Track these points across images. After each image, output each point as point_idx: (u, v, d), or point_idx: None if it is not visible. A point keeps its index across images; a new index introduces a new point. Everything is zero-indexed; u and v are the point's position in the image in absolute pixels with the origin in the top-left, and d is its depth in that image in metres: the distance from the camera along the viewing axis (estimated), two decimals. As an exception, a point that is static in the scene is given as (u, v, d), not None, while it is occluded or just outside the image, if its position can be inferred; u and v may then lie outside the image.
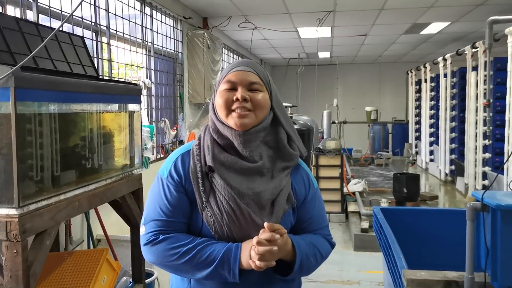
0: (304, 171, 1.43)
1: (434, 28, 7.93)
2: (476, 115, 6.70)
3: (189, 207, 1.31)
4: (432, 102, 9.73)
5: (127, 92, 2.72)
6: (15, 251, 1.74)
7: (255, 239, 1.20)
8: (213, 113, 1.33)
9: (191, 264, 1.24)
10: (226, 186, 1.25)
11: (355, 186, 6.95)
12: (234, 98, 1.27)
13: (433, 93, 9.72)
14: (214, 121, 1.32)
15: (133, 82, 4.26)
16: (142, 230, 1.32)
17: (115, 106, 2.61)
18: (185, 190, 1.31)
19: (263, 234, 1.21)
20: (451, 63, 8.15)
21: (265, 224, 1.21)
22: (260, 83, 1.31)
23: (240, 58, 10.37)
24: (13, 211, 1.74)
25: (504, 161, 5.56)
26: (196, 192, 1.28)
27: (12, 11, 2.85)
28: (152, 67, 5.07)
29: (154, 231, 1.28)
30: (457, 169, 7.88)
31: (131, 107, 2.77)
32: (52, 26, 2.85)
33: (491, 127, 6.07)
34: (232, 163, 1.28)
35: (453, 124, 8.14)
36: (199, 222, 1.29)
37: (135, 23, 4.68)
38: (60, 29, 2.69)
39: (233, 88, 1.29)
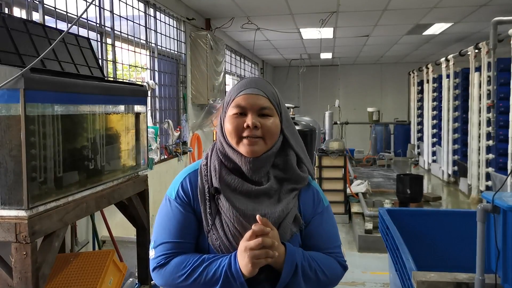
0: (314, 189, 1.38)
1: (437, 28, 7.92)
2: (480, 116, 6.69)
3: (198, 228, 1.28)
4: (435, 103, 9.73)
5: (133, 94, 2.72)
6: (24, 252, 1.73)
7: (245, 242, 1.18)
8: (222, 136, 1.30)
9: (199, 284, 1.21)
10: (231, 208, 1.22)
11: (358, 187, 6.95)
12: (245, 125, 1.24)
13: (435, 94, 9.72)
14: (223, 144, 1.29)
15: (139, 83, 4.25)
16: (152, 254, 1.29)
17: (122, 108, 2.61)
18: (193, 210, 1.29)
19: (252, 229, 1.18)
20: (453, 63, 8.15)
21: (257, 216, 1.19)
22: (271, 107, 1.27)
23: (242, 60, 10.37)
24: (22, 213, 1.74)
25: (509, 162, 5.55)
26: (203, 214, 1.26)
27: (18, 12, 2.85)
28: (156, 68, 5.07)
29: (163, 255, 1.26)
30: (460, 170, 7.87)
31: (137, 108, 2.77)
32: (58, 28, 2.85)
33: (495, 128, 6.07)
34: (239, 185, 1.25)
35: (456, 124, 8.14)
36: (205, 245, 1.27)
37: (139, 24, 4.68)
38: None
39: (242, 112, 1.25)
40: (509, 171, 5.21)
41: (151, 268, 1.29)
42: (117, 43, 4.14)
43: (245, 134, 1.24)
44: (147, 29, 4.85)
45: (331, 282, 1.32)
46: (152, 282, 2.92)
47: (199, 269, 1.21)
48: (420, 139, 11.23)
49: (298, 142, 1.36)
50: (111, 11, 4.02)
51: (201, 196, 1.27)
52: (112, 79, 3.95)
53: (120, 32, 4.19)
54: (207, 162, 1.32)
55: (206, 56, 6.07)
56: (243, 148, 1.24)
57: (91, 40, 2.88)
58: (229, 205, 1.23)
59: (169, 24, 5.53)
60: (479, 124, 6.72)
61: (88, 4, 2.85)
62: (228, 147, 1.28)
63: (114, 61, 4.10)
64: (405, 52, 11.56)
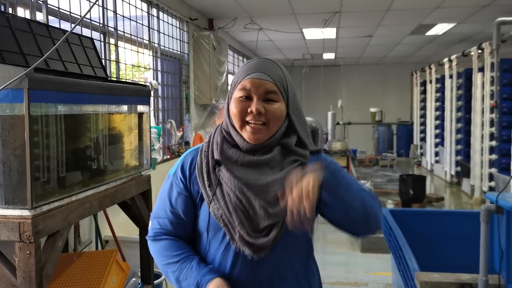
0: (322, 158, 1.33)
1: (440, 29, 7.91)
2: (482, 117, 6.68)
3: (192, 208, 1.32)
4: (438, 103, 9.72)
5: (136, 93, 2.72)
6: (28, 252, 1.74)
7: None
8: (228, 117, 1.31)
9: (173, 277, 1.30)
10: (232, 178, 1.23)
11: (360, 187, 6.93)
12: (249, 110, 1.23)
13: (438, 94, 9.70)
14: (228, 125, 1.31)
15: (142, 83, 4.26)
16: (150, 224, 1.39)
17: (125, 108, 2.61)
18: (189, 190, 1.32)
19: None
20: (456, 64, 8.13)
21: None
22: (276, 92, 1.25)
23: (245, 60, 10.37)
24: (26, 212, 1.74)
25: None
26: (202, 188, 1.28)
27: (22, 12, 2.85)
28: (159, 68, 5.07)
29: (156, 230, 1.35)
30: (463, 170, 7.86)
31: (140, 108, 2.77)
32: (61, 28, 2.85)
33: (498, 129, 6.06)
34: (240, 157, 1.26)
35: (459, 125, 8.13)
36: (206, 216, 1.28)
37: (142, 24, 4.69)
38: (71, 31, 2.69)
39: (248, 96, 1.25)
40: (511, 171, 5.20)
41: (147, 235, 1.39)
42: (120, 43, 4.15)
43: (248, 118, 1.24)
44: (150, 29, 4.86)
45: (376, 203, 1.29)
46: (154, 282, 2.93)
47: (174, 266, 1.29)
48: (423, 139, 11.22)
49: (303, 125, 1.33)
50: (114, 11, 4.03)
51: (199, 171, 1.30)
52: (115, 79, 3.96)
53: (123, 32, 4.20)
54: (209, 140, 1.34)
55: (209, 56, 6.08)
56: (246, 134, 1.25)
57: (94, 40, 2.89)
58: (230, 174, 1.24)
59: (172, 24, 5.54)
60: (482, 125, 6.70)
61: (91, 4, 2.86)
62: (232, 128, 1.29)
63: (117, 61, 4.10)
64: (408, 53, 11.55)
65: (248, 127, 1.24)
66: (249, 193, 1.22)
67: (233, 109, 1.26)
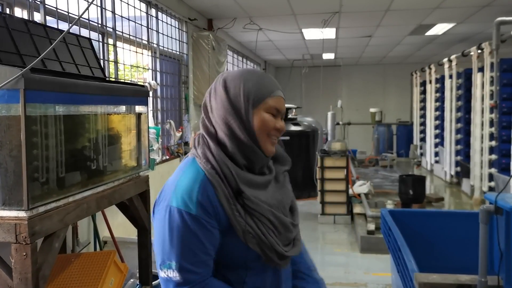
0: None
1: (440, 29, 7.91)
2: (482, 117, 6.67)
3: (219, 241, 1.23)
4: (437, 104, 9.71)
5: (134, 94, 2.71)
6: (24, 253, 1.73)
7: None
8: (246, 132, 1.25)
9: None
10: (260, 203, 1.24)
11: (360, 187, 6.93)
12: (277, 126, 1.29)
13: (438, 94, 9.70)
14: (244, 141, 1.24)
15: (140, 83, 4.25)
16: (175, 275, 1.18)
17: (123, 108, 2.60)
18: (218, 222, 1.22)
19: None
20: (456, 64, 8.13)
21: None
22: None
23: (244, 60, 10.36)
24: (22, 214, 1.73)
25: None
26: (232, 219, 1.21)
27: (19, 13, 2.85)
28: (158, 68, 5.07)
29: (193, 283, 1.19)
30: (463, 170, 7.85)
31: (139, 108, 2.76)
32: (59, 28, 2.85)
33: (497, 129, 6.05)
34: (254, 179, 1.27)
35: (459, 125, 8.12)
36: (242, 248, 1.22)
37: (141, 25, 4.68)
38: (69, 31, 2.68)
39: (275, 115, 1.30)
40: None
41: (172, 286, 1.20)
42: (118, 44, 4.14)
43: (273, 133, 1.29)
44: (149, 29, 4.85)
45: None
46: (153, 283, 2.92)
47: None
48: (423, 139, 11.21)
49: None
50: (113, 12, 4.02)
51: (226, 203, 1.21)
52: (113, 79, 3.95)
53: (122, 32, 4.19)
54: (212, 165, 1.24)
55: (208, 56, 6.07)
56: (268, 147, 1.28)
57: (92, 41, 2.88)
58: (257, 201, 1.24)
59: (171, 25, 5.53)
60: (482, 125, 6.70)
61: (88, 4, 2.85)
62: (250, 143, 1.25)
63: (116, 62, 4.10)
64: (408, 53, 11.54)
65: (271, 141, 1.29)
66: (277, 213, 1.27)
67: (265, 124, 1.26)
